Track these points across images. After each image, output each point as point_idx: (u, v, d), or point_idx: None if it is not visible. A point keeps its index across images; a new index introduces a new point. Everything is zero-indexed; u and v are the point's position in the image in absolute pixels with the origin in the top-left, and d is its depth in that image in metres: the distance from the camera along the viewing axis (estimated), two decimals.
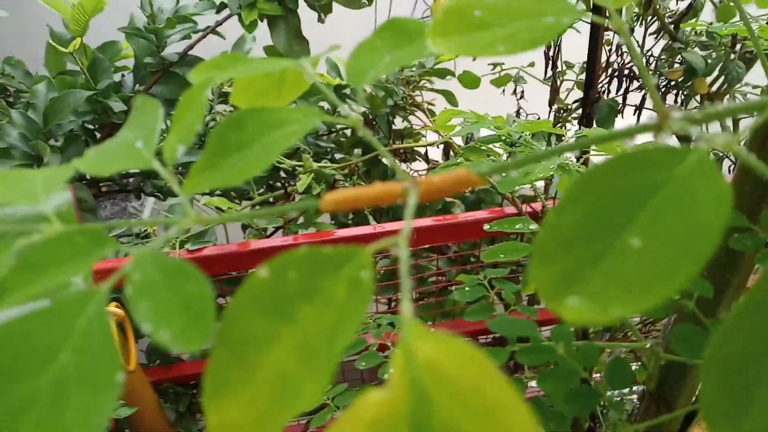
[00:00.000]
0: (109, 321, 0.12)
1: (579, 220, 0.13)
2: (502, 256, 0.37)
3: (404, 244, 0.13)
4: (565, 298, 0.13)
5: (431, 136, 1.19)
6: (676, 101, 0.83)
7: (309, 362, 0.13)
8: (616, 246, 0.13)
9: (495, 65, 0.90)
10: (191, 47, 1.15)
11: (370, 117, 1.23)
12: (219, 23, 1.15)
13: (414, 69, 1.27)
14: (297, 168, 1.03)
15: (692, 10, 0.79)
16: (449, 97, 1.26)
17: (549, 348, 0.35)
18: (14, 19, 1.44)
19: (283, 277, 0.13)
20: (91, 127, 1.24)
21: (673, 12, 0.83)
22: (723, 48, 0.80)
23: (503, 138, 0.49)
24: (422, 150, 1.25)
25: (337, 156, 1.29)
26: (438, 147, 1.11)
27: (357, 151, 1.28)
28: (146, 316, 0.12)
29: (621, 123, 0.88)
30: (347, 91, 1.19)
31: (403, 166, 1.37)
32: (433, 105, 1.14)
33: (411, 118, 1.25)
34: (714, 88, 0.80)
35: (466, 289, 0.41)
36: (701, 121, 0.15)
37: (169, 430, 1.05)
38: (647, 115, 0.89)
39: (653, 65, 0.90)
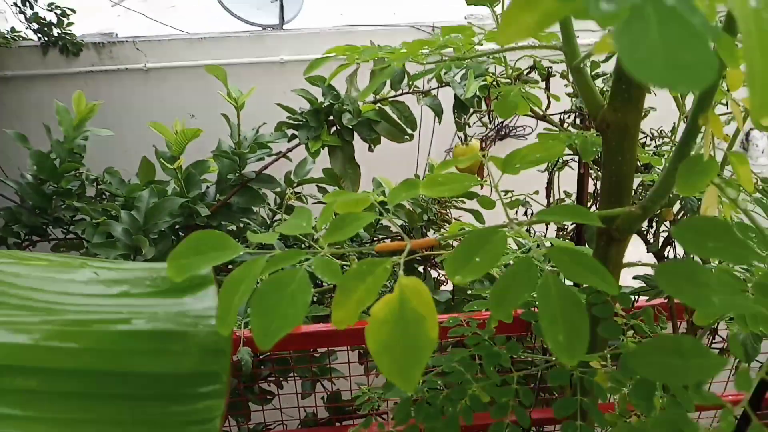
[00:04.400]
0: (306, 275, 0.41)
1: (461, 251, 0.42)
2: (475, 307, 0.65)
3: (402, 260, 0.42)
4: (455, 276, 0.41)
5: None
6: (650, 225, 1.11)
7: (369, 295, 0.42)
8: (471, 260, 0.41)
9: (507, 192, 1.21)
10: (266, 167, 1.51)
11: (408, 229, 1.55)
12: (289, 149, 1.52)
13: None
14: (344, 267, 1.33)
15: (657, 154, 1.11)
16: (477, 215, 1.57)
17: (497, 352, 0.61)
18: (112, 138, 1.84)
19: (361, 267, 0.42)
20: (177, 227, 1.58)
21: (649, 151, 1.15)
22: None
23: None
24: None
25: None
26: None
27: (395, 257, 1.58)
28: (317, 271, 0.42)
29: None
30: (389, 207, 1.51)
31: (434, 273, 1.65)
32: (460, 220, 1.44)
33: (442, 231, 1.55)
34: (679, 216, 1.08)
35: (450, 320, 0.70)
36: (525, 225, 0.44)
37: None
38: None
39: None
